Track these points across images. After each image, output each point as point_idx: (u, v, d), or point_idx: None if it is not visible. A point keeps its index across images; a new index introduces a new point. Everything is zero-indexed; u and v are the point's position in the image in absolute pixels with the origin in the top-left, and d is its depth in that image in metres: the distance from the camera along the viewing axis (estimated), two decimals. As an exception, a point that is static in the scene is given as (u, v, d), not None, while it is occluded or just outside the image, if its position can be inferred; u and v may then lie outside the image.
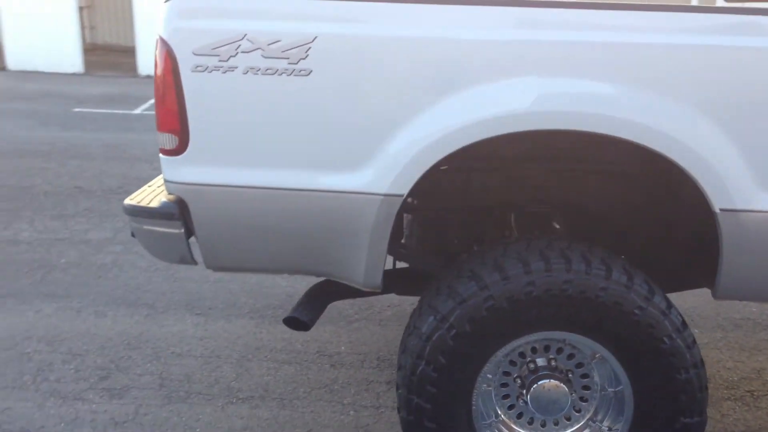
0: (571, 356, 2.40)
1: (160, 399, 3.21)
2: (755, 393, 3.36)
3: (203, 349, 3.66)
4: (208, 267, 2.48)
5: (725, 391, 3.38)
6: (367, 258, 2.32)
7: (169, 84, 2.26)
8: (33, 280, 4.47)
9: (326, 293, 2.75)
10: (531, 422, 2.46)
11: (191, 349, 3.66)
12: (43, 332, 3.79)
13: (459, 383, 2.32)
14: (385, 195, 2.25)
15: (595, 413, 2.45)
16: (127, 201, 2.53)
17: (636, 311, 2.21)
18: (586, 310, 2.23)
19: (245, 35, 2.21)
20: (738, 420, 3.15)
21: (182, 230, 2.37)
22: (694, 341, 2.28)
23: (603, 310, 2.22)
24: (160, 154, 2.37)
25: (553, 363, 2.40)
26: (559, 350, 2.40)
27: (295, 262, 2.43)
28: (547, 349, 2.40)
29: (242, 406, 3.17)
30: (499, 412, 2.46)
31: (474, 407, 2.37)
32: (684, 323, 2.27)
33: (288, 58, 2.21)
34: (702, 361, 2.29)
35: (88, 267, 4.68)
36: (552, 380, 2.37)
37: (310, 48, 2.20)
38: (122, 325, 3.89)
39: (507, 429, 2.47)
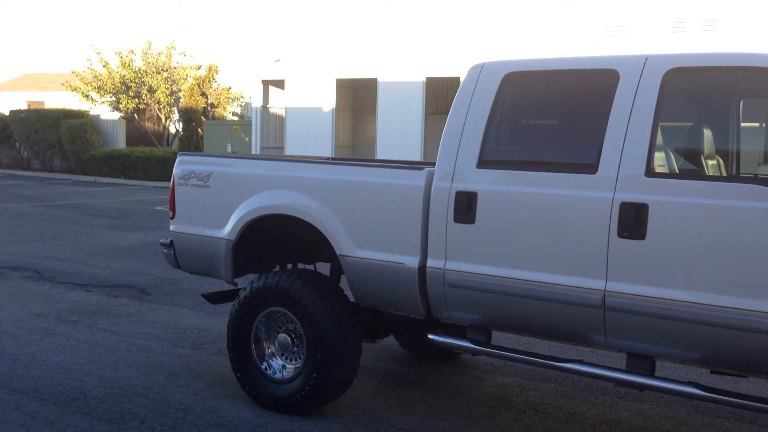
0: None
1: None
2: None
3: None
4: (183, 270, 5.67)
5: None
6: (224, 268, 5.29)
7: (172, 190, 5.61)
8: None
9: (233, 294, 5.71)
10: (284, 356, 5.07)
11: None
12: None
13: (243, 326, 5.08)
14: (227, 239, 5.22)
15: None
16: (162, 240, 5.85)
17: (301, 300, 4.79)
18: (285, 297, 4.86)
19: (192, 172, 5.47)
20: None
21: (173, 252, 5.63)
22: (330, 317, 4.72)
23: (291, 297, 4.83)
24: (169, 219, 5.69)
25: (289, 326, 5.02)
26: (292, 321, 5.00)
27: (205, 270, 5.48)
28: (290, 321, 5.02)
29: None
30: (273, 348, 5.12)
31: (253, 343, 5.09)
32: (325, 309, 4.73)
33: (203, 181, 5.39)
34: (332, 328, 4.71)
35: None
36: (283, 333, 5.00)
37: (210, 176, 5.37)
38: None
39: (277, 357, 5.10)
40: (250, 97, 24.67)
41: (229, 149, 21.84)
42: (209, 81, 26.50)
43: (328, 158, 6.08)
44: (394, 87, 17.83)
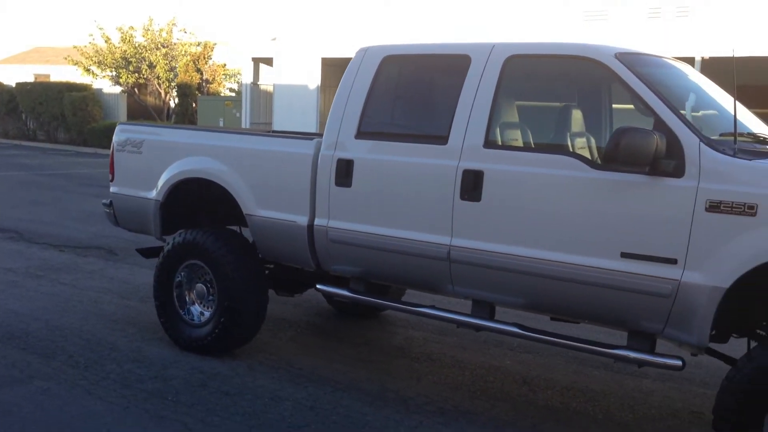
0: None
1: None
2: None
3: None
4: (121, 227, 6.33)
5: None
6: (154, 225, 5.94)
7: (112, 155, 6.26)
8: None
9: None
10: (202, 304, 5.73)
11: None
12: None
13: (166, 276, 5.73)
14: (155, 200, 5.87)
15: (221, 304, 5.63)
16: (104, 201, 6.51)
17: (212, 253, 5.44)
18: (200, 251, 5.51)
19: (128, 138, 6.12)
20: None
21: (112, 212, 6.30)
22: (238, 269, 5.37)
23: (205, 251, 5.48)
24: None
25: (205, 277, 5.67)
26: (207, 273, 5.65)
27: (139, 227, 6.14)
28: (206, 273, 5.67)
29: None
30: (192, 296, 5.78)
31: (175, 290, 5.75)
32: (234, 263, 5.38)
33: (137, 147, 6.05)
34: (239, 279, 5.36)
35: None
36: (200, 284, 5.66)
37: (142, 143, 6.02)
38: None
39: (196, 305, 5.76)
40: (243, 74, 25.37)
41: (221, 124, 22.52)
42: (204, 58, 27.17)
43: (270, 131, 6.70)
44: (374, 66, 18.48)
